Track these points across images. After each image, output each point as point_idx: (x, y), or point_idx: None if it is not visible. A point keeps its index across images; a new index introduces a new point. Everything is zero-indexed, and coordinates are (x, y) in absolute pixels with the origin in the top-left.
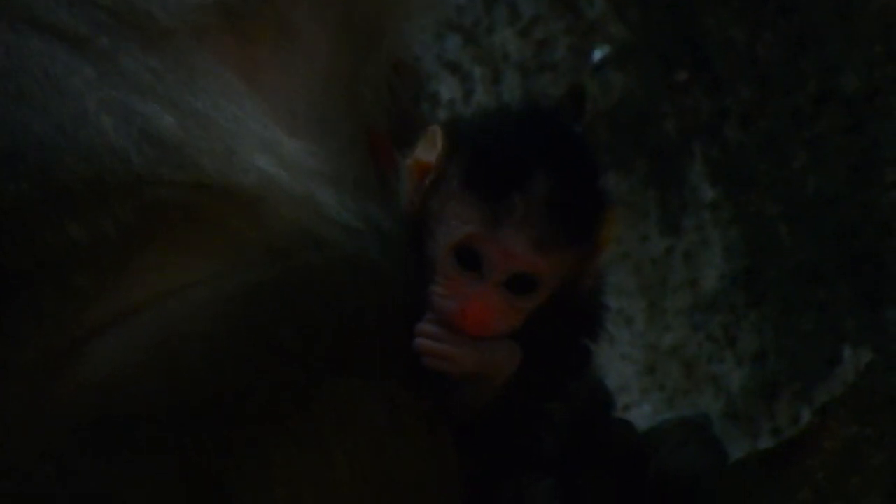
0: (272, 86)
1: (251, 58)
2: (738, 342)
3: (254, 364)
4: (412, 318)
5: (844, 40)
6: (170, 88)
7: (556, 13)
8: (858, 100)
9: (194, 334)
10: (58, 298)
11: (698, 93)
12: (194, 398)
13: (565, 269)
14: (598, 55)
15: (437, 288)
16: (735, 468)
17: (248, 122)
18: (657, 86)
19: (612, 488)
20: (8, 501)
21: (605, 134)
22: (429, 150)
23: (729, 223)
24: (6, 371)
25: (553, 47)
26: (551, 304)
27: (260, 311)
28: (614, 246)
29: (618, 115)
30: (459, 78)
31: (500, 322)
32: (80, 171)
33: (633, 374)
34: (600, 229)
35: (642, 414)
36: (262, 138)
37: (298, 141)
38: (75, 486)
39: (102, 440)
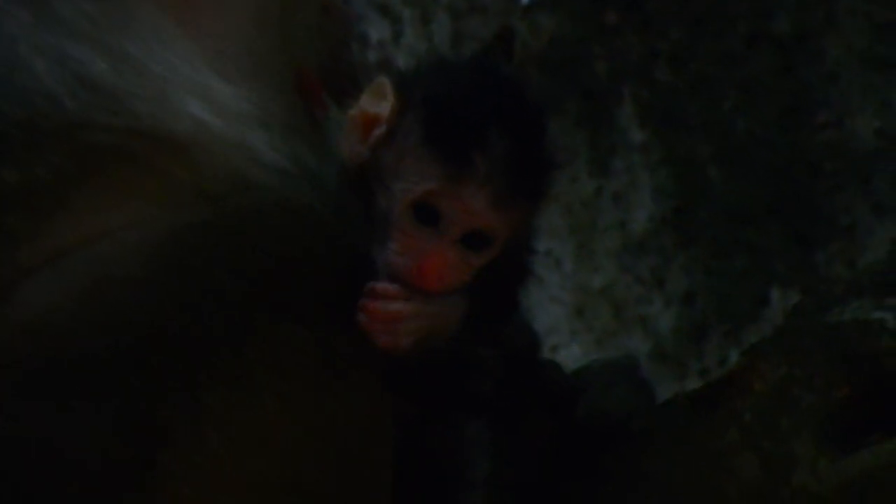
0: (204, 29)
1: (184, 1)
2: (667, 284)
3: (186, 307)
4: (350, 264)
5: None
6: (104, 33)
7: None
8: (789, 41)
9: (126, 277)
10: None
11: (628, 34)
12: (126, 342)
13: (520, 223)
14: None
15: (392, 244)
16: (663, 409)
17: (180, 66)
18: (587, 27)
19: (543, 429)
20: None
21: (534, 76)
22: (376, 102)
23: (658, 165)
24: None
25: None
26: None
27: (192, 253)
28: None
29: (547, 56)
30: (389, 20)
31: (454, 278)
32: (13, 114)
33: (562, 316)
34: (553, 185)
35: (571, 355)
36: (195, 83)
37: (230, 85)
38: (6, 427)
39: (34, 384)
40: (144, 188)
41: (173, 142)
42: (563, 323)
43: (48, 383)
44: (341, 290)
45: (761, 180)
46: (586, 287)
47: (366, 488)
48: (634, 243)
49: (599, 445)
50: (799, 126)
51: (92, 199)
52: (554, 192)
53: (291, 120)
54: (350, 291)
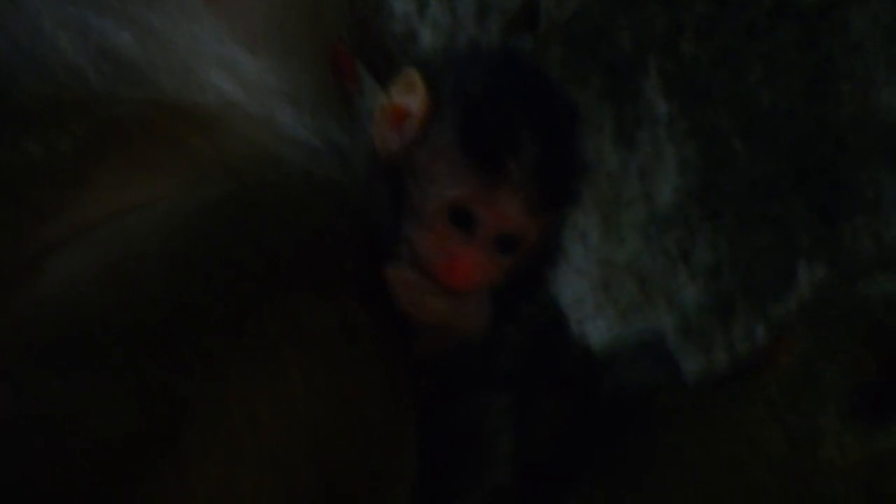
0: (231, 2)
1: None
2: (693, 257)
3: (210, 280)
4: (374, 240)
5: None
6: (127, 5)
7: None
8: (813, 13)
9: (151, 251)
10: (13, 213)
11: (653, 6)
12: (150, 315)
13: (552, 224)
14: None
15: (424, 241)
16: (689, 384)
17: (206, 39)
18: (612, 0)
19: (567, 405)
20: None
21: (559, 48)
22: (406, 95)
23: (684, 137)
24: None
25: None
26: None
27: (216, 227)
28: None
29: (572, 28)
30: None
31: (483, 278)
32: (36, 88)
33: (587, 290)
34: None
35: (596, 329)
36: (220, 56)
37: (258, 59)
38: (29, 403)
39: (58, 357)
40: (168, 162)
41: (198, 115)
42: (588, 296)
43: (71, 357)
44: (363, 266)
45: (786, 153)
46: (611, 260)
47: (389, 463)
48: (660, 216)
49: (624, 420)
50: (824, 98)
51: (116, 174)
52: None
53: (321, 95)
54: (372, 267)
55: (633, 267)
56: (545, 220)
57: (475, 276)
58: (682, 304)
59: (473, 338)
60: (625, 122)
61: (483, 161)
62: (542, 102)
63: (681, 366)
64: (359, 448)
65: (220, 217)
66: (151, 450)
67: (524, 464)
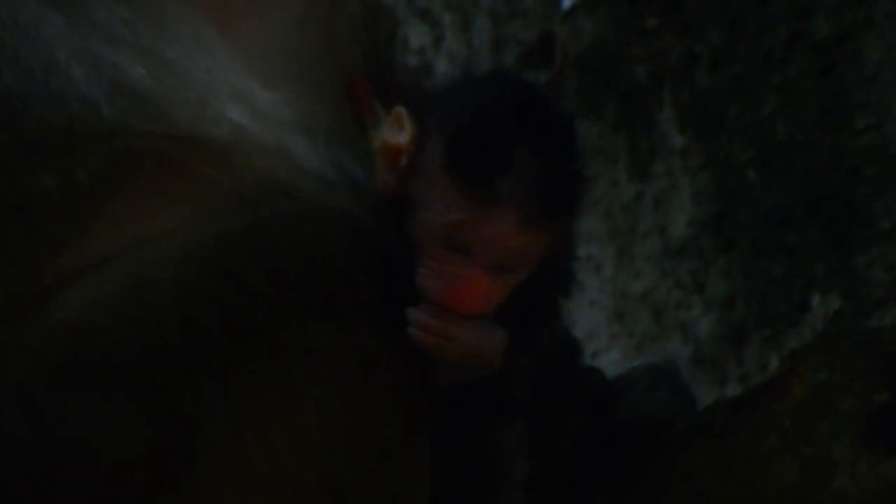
0: (246, 32)
1: (225, 6)
2: (707, 288)
3: (225, 309)
4: (386, 271)
5: None
6: (141, 37)
7: None
8: (829, 44)
9: (166, 281)
10: (30, 244)
11: (668, 37)
12: (165, 343)
13: (550, 241)
14: (568, 1)
15: (424, 269)
16: (703, 414)
17: (220, 71)
18: (627, 31)
19: (582, 434)
20: None
21: (575, 80)
22: (396, 131)
23: (698, 168)
24: None
25: None
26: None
27: (231, 257)
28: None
29: (588, 60)
30: (430, 24)
31: (488, 301)
32: (51, 120)
33: (602, 321)
34: (583, 198)
35: (611, 360)
36: (235, 88)
37: (272, 90)
38: (44, 426)
39: (72, 382)
40: (183, 193)
41: (212, 147)
42: (603, 328)
43: (87, 382)
44: (378, 296)
45: (801, 184)
46: (626, 292)
47: (402, 489)
48: (674, 248)
49: (640, 449)
50: (838, 129)
51: (130, 205)
52: (593, 197)
53: (337, 126)
54: (386, 297)
55: (647, 298)
56: (546, 235)
57: (478, 299)
58: (696, 335)
59: (491, 368)
60: (639, 153)
61: (471, 182)
62: (535, 117)
63: (695, 395)
64: (372, 476)
65: (235, 247)
66: (166, 474)
67: (538, 489)
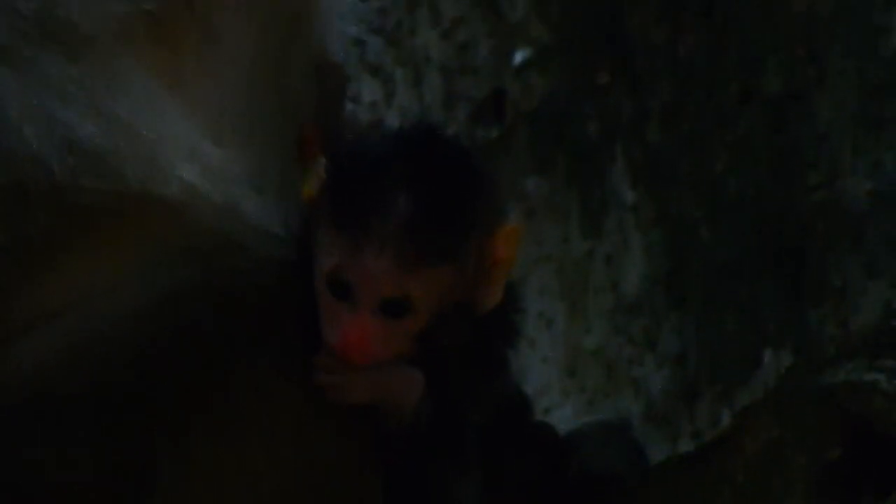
0: (196, 91)
1: (175, 63)
2: (659, 344)
3: (175, 361)
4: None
5: (766, 41)
6: (92, 96)
7: (477, 15)
8: (780, 101)
9: (118, 334)
10: None
11: (620, 94)
12: (116, 395)
13: (442, 286)
14: (519, 57)
15: (322, 319)
16: (655, 470)
17: (171, 129)
18: (579, 87)
19: (534, 490)
20: None
21: (526, 135)
22: (314, 184)
23: (650, 225)
24: None
25: (475, 49)
26: (451, 323)
27: (182, 310)
28: (535, 248)
29: (539, 116)
30: (381, 79)
31: (381, 348)
32: (2, 178)
33: (553, 376)
34: (478, 241)
35: (563, 416)
36: (186, 146)
37: (223, 147)
38: None
39: (25, 431)
40: (135, 248)
41: (163, 204)
42: (554, 383)
43: (37, 435)
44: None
45: (753, 240)
46: (578, 348)
47: None
48: (626, 303)
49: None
50: (790, 186)
51: (82, 259)
52: (545, 252)
53: (286, 181)
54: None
55: (599, 354)
56: (428, 278)
57: (368, 347)
58: (648, 391)
59: (408, 408)
60: (591, 208)
61: (346, 223)
62: (421, 163)
63: (647, 451)
64: None
65: (186, 300)
66: None
67: None
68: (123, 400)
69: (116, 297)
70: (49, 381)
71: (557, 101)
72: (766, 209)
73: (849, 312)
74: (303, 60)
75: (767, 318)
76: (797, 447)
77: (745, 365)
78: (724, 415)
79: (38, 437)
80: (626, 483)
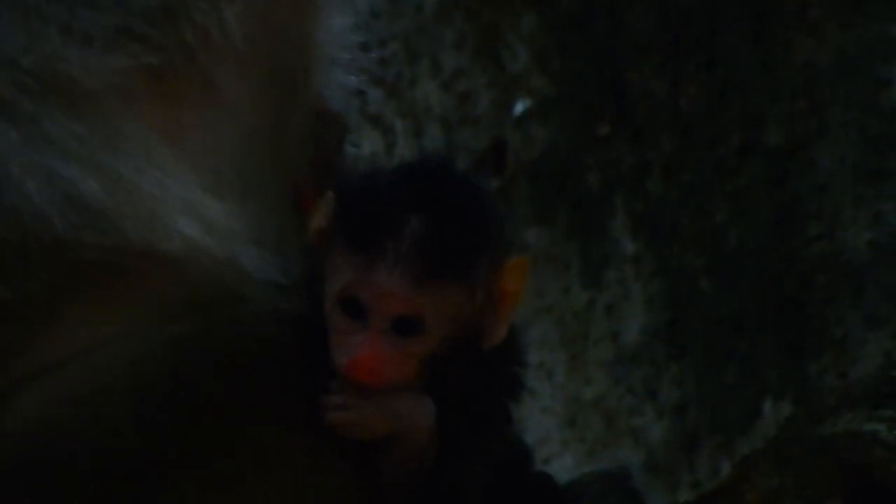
0: (196, 146)
1: (175, 118)
2: (659, 395)
3: (178, 413)
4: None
5: (767, 93)
6: (94, 152)
7: (478, 67)
8: (781, 153)
9: (119, 386)
10: None
11: (620, 145)
12: (117, 448)
13: (452, 307)
14: (520, 108)
15: (331, 343)
16: None
17: (171, 184)
18: (579, 138)
19: None
20: None
21: (527, 187)
22: (322, 216)
23: (651, 276)
24: None
25: (475, 100)
26: (457, 358)
27: (183, 362)
28: (536, 300)
29: (540, 167)
30: (381, 131)
31: (392, 369)
32: (4, 234)
33: (553, 427)
34: (488, 266)
35: (563, 466)
36: (186, 201)
37: (222, 201)
38: None
39: (21, 486)
40: (136, 301)
41: (164, 259)
42: (554, 434)
43: (39, 489)
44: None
45: (753, 292)
46: (578, 398)
47: None
48: (626, 355)
49: None
50: (791, 237)
51: (84, 312)
52: (545, 304)
53: (285, 234)
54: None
55: (599, 404)
56: (439, 297)
57: (379, 367)
58: (648, 442)
59: (421, 435)
60: (592, 260)
61: (358, 243)
62: (431, 185)
63: (647, 501)
64: None
65: (188, 352)
66: None
67: None
68: (125, 459)
69: (117, 349)
70: (50, 433)
71: (558, 152)
72: (767, 260)
73: (849, 363)
74: (302, 114)
75: (767, 369)
76: (797, 497)
77: (745, 415)
78: (723, 464)
79: (38, 493)
80: None
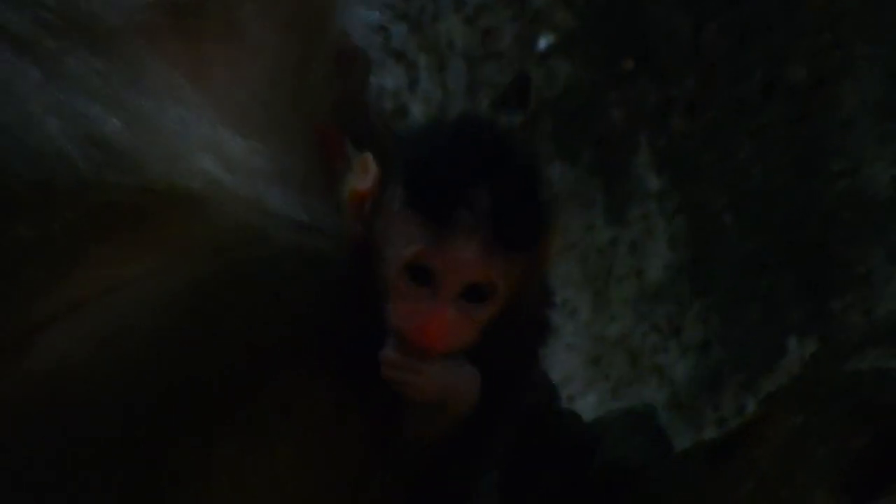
0: (219, 84)
1: (198, 56)
2: (683, 332)
3: (202, 355)
4: (362, 312)
5: (790, 30)
6: (116, 90)
7: (502, 2)
8: (804, 90)
9: (141, 327)
10: (4, 291)
11: (644, 82)
12: (140, 390)
13: (516, 274)
14: (543, 44)
15: (393, 307)
16: (680, 459)
17: (194, 123)
18: (602, 75)
19: (557, 479)
20: None
21: (550, 123)
22: (363, 178)
23: (674, 213)
24: None
25: (498, 36)
26: (502, 314)
27: (207, 302)
28: (559, 237)
29: (563, 104)
30: (404, 67)
31: (459, 335)
32: (27, 174)
33: (578, 365)
34: (547, 234)
35: (587, 404)
36: (209, 139)
37: (245, 140)
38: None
39: (46, 432)
40: (159, 242)
41: (187, 198)
42: (578, 372)
43: (61, 431)
44: (349, 338)
45: (777, 229)
46: (602, 336)
47: None
48: (650, 292)
49: (616, 494)
50: (814, 175)
51: (107, 253)
52: (569, 241)
53: (309, 173)
54: (359, 343)
55: (623, 342)
56: (509, 265)
57: (446, 333)
58: (672, 380)
59: (466, 408)
60: (615, 197)
61: (431, 213)
62: (494, 152)
63: (672, 440)
64: None
65: (211, 292)
66: None
67: None
68: (149, 398)
69: (141, 289)
70: (73, 372)
71: (581, 88)
72: (790, 198)
73: (873, 300)
74: (325, 52)
75: (791, 307)
76: (822, 435)
77: (770, 353)
78: (748, 403)
79: (62, 430)
80: (649, 471)
